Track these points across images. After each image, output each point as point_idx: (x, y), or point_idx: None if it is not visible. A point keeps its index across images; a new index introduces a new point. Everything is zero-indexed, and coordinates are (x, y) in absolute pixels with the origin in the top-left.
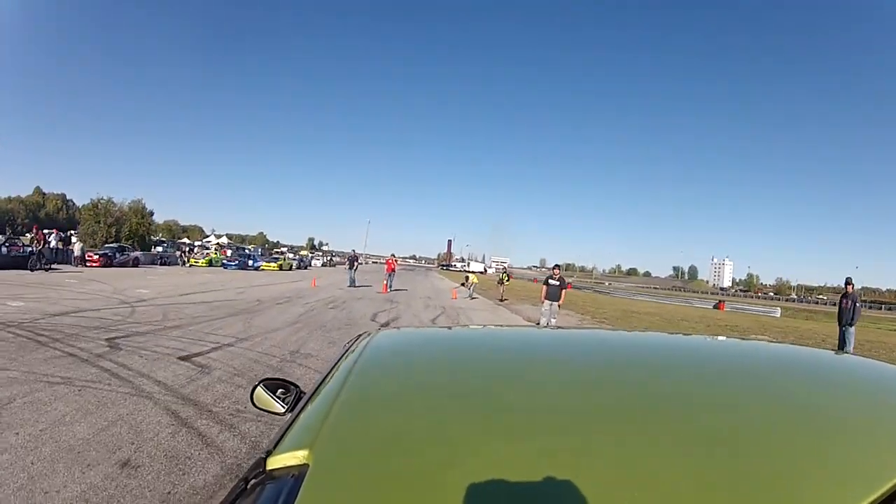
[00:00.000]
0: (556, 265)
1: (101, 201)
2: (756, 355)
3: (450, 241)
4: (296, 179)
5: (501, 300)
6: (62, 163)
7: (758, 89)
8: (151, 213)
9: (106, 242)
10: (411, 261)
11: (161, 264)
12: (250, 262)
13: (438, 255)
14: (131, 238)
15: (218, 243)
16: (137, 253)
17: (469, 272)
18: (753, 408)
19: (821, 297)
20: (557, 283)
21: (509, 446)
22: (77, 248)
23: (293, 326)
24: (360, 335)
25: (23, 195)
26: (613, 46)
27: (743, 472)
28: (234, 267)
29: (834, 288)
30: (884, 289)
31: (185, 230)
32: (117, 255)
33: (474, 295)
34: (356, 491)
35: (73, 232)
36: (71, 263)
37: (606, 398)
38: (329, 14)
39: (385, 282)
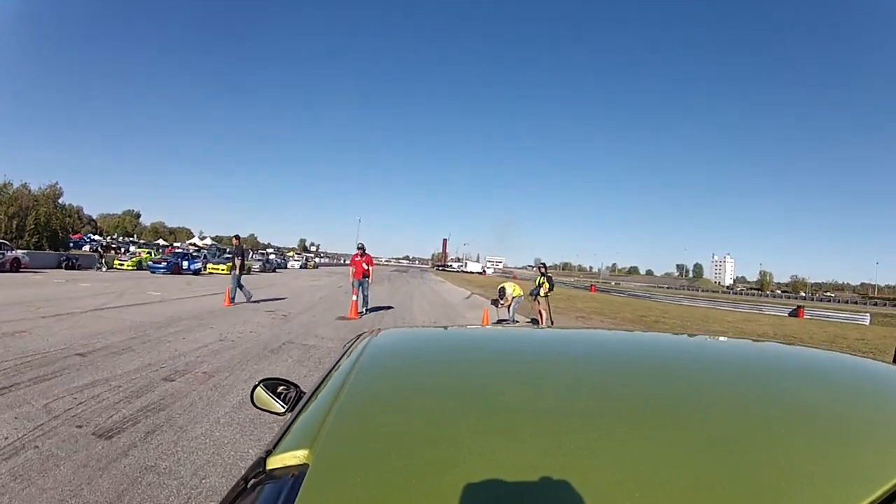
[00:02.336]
0: None
1: (7, 185)
2: (758, 355)
3: (445, 240)
4: (289, 179)
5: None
6: (53, 166)
7: (758, 85)
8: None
9: (5, 237)
10: (404, 261)
11: (68, 267)
12: (185, 265)
13: (433, 255)
14: (39, 232)
15: (197, 243)
16: (18, 252)
17: (481, 273)
18: (754, 408)
19: (827, 293)
20: None
21: (509, 446)
22: None
23: None
24: (360, 335)
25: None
26: (612, 42)
27: (744, 473)
28: (162, 271)
29: (833, 284)
30: (882, 285)
31: (173, 232)
32: None
33: (516, 317)
34: (356, 491)
35: None
36: None
37: (607, 398)
38: (318, 11)
39: (354, 297)
